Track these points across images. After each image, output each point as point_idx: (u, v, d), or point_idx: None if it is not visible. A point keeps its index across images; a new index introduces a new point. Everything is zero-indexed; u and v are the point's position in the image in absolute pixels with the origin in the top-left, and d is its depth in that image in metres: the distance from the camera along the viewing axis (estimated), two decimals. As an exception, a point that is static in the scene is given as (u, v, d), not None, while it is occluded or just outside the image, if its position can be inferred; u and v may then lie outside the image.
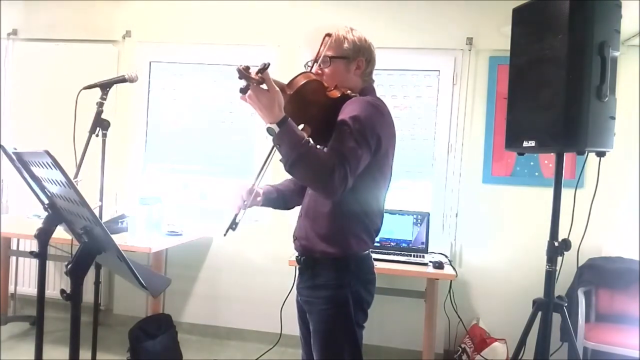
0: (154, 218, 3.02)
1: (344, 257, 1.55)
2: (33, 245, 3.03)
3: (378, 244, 3.07)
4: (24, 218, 3.39)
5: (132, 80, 2.33)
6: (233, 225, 1.54)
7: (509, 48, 2.00)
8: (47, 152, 1.09)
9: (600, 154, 1.86)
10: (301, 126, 1.42)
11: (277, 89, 1.35)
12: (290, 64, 3.16)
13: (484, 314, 3.26)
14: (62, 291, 1.22)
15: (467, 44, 3.25)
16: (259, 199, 1.69)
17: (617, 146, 1.91)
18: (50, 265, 3.52)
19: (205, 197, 3.66)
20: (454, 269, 2.87)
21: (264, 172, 1.61)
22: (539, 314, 1.94)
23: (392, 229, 3.11)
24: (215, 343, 3.49)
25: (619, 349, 2.61)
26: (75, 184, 1.12)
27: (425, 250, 3.08)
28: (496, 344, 2.97)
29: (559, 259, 1.92)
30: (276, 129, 1.35)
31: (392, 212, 3.10)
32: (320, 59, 1.56)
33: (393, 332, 3.31)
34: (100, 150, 2.35)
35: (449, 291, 3.19)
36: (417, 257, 2.94)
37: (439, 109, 3.31)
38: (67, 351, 1.26)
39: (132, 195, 3.56)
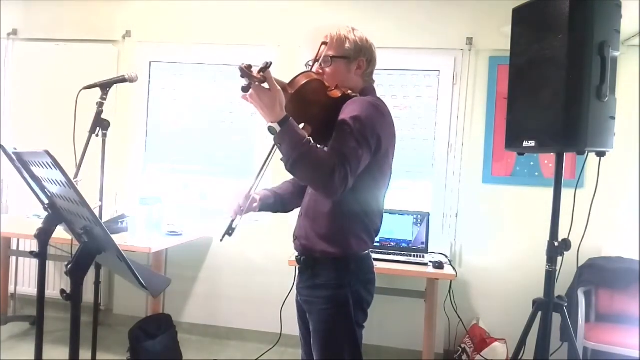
0: (154, 218, 3.02)
1: (344, 257, 1.55)
2: (33, 245, 3.03)
3: (378, 244, 3.07)
4: (24, 218, 3.39)
5: (132, 80, 2.33)
6: (230, 231, 1.55)
7: (509, 48, 2.00)
8: (47, 152, 1.09)
9: (600, 154, 1.86)
10: (302, 125, 1.42)
11: (279, 87, 1.35)
12: (290, 64, 3.14)
13: (484, 314, 3.26)
14: (62, 291, 1.22)
15: (467, 44, 3.25)
16: (255, 204, 1.68)
17: (617, 146, 1.91)
18: (50, 265, 3.52)
19: (205, 197, 3.66)
20: (454, 269, 2.87)
21: (261, 178, 1.60)
22: (539, 314, 1.94)
23: (392, 229, 3.11)
24: (215, 343, 3.49)
25: (619, 349, 2.61)
26: (75, 184, 1.12)
27: (425, 250, 3.08)
28: (496, 344, 2.97)
29: (559, 259, 1.92)
30: (277, 128, 1.35)
31: (392, 212, 3.10)
32: (322, 58, 1.56)
33: (393, 332, 3.31)
34: (100, 150, 2.35)
35: (449, 291, 3.19)
36: (417, 257, 2.94)
37: (439, 109, 3.32)
38: (67, 351, 1.26)
39: (132, 195, 3.57)
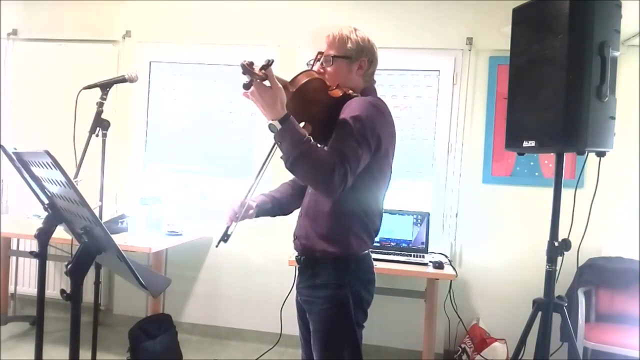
0: (154, 218, 3.02)
1: (344, 256, 1.55)
2: (33, 245, 3.03)
3: (378, 244, 3.07)
4: (24, 218, 3.39)
5: (132, 80, 2.33)
6: (225, 238, 1.55)
7: (509, 48, 2.00)
8: (47, 152, 1.09)
9: (600, 154, 1.86)
10: (302, 124, 1.42)
11: (280, 86, 1.36)
12: (290, 64, 3.15)
13: (484, 314, 3.26)
14: (62, 291, 1.22)
15: (467, 44, 3.25)
16: (251, 211, 1.68)
17: (617, 146, 1.91)
18: (50, 265, 3.52)
19: (205, 197, 3.66)
20: (454, 269, 2.87)
21: (259, 181, 1.60)
22: (539, 314, 1.94)
23: (392, 229, 3.11)
24: (215, 343, 3.49)
25: (619, 349, 2.61)
26: (75, 184, 1.12)
27: (425, 250, 3.08)
28: (496, 344, 2.97)
29: (559, 259, 1.92)
30: (278, 126, 1.35)
31: (392, 212, 3.10)
32: (323, 57, 1.56)
33: (393, 332, 3.31)
34: (100, 150, 2.35)
35: (449, 291, 3.19)
36: (417, 257, 2.94)
37: (439, 109, 3.31)
38: (67, 351, 1.26)
39: (132, 195, 3.57)
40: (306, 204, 1.65)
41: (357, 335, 1.56)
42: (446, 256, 3.13)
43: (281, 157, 1.40)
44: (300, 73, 1.49)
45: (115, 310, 3.66)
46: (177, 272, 3.50)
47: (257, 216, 1.72)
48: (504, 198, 3.24)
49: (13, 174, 1.67)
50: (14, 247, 3.59)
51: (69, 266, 1.22)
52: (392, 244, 3.11)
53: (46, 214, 1.31)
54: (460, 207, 3.29)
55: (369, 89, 1.63)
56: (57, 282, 3.64)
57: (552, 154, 2.00)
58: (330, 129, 1.45)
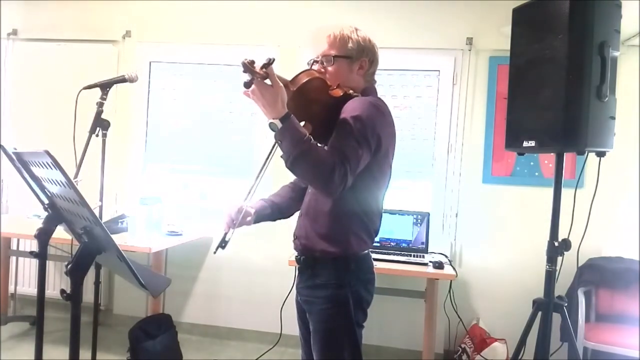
0: (154, 218, 3.02)
1: (344, 256, 1.55)
2: (33, 245, 3.03)
3: (378, 244, 3.07)
4: (24, 218, 3.39)
5: (132, 80, 2.33)
6: (222, 244, 1.56)
7: (509, 48, 2.00)
8: (47, 152, 1.09)
9: (600, 154, 1.86)
10: (302, 123, 1.42)
11: (281, 84, 1.36)
12: (290, 64, 3.15)
13: (484, 314, 3.26)
14: (62, 291, 1.22)
15: (467, 44, 3.25)
16: (249, 218, 1.67)
17: (617, 146, 1.91)
18: (50, 265, 3.52)
19: (205, 197, 3.66)
20: (454, 269, 2.87)
21: (255, 189, 1.61)
22: (539, 314, 1.94)
23: (392, 229, 3.11)
24: (215, 343, 3.49)
25: (619, 349, 2.61)
26: (75, 184, 1.12)
27: (425, 250, 3.08)
28: (496, 344, 2.97)
29: (559, 259, 1.92)
30: (279, 124, 1.35)
31: (392, 212, 3.10)
32: (324, 57, 1.57)
33: (393, 332, 3.31)
34: (100, 150, 2.35)
35: (449, 291, 3.19)
36: (417, 257, 2.94)
37: (439, 109, 3.31)
38: (67, 351, 1.26)
39: (132, 195, 3.57)
40: (306, 203, 1.65)
41: (357, 335, 1.56)
42: (446, 256, 3.13)
43: (281, 156, 1.40)
44: (301, 72, 1.49)
45: (115, 310, 3.66)
46: (177, 272, 3.50)
47: (256, 222, 1.71)
48: (504, 198, 3.24)
49: (13, 174, 1.67)
50: (14, 247, 3.59)
51: (69, 266, 1.22)
52: (392, 244, 3.11)
53: (46, 214, 1.31)
54: (460, 207, 3.29)
55: (369, 89, 1.63)
56: (57, 282, 3.64)
57: (552, 154, 2.00)
58: (331, 128, 1.45)
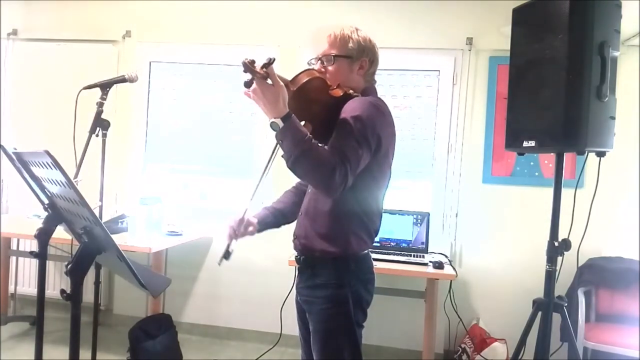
0: (154, 218, 3.02)
1: (343, 256, 1.55)
2: (33, 245, 3.03)
3: (378, 244, 3.07)
4: (24, 218, 3.39)
5: (132, 80, 2.33)
6: (226, 255, 1.56)
7: (509, 48, 2.00)
8: (47, 152, 1.09)
9: (600, 154, 1.86)
10: (302, 123, 1.42)
11: (282, 84, 1.36)
12: (290, 64, 3.15)
13: (484, 314, 3.26)
14: (62, 291, 1.22)
15: (467, 44, 3.25)
16: (251, 228, 1.67)
17: (617, 146, 1.91)
18: (50, 265, 3.52)
19: (205, 197, 3.66)
20: (454, 269, 2.87)
21: (253, 200, 1.61)
22: (539, 314, 1.94)
23: (392, 229, 3.11)
24: (215, 343, 3.49)
25: (619, 349, 2.61)
26: (75, 184, 1.12)
27: (425, 250, 3.08)
28: (496, 344, 2.97)
29: (559, 259, 1.92)
30: (280, 124, 1.35)
31: (392, 212, 3.10)
32: (324, 57, 1.57)
33: (393, 332, 3.31)
34: (100, 150, 2.34)
35: (449, 291, 3.19)
36: (417, 257, 2.94)
37: (439, 109, 3.31)
38: (67, 351, 1.26)
39: (132, 195, 3.57)
40: (306, 203, 1.65)
41: (356, 335, 1.56)
42: (446, 256, 3.13)
43: (282, 156, 1.40)
44: (301, 72, 1.49)
45: (115, 310, 3.66)
46: (177, 272, 3.50)
47: (260, 231, 1.71)
48: (504, 198, 3.24)
49: (13, 174, 1.67)
50: (14, 247, 3.59)
51: (69, 266, 1.22)
52: (392, 244, 3.11)
53: (46, 214, 1.31)
54: (460, 207, 3.29)
55: (369, 89, 1.63)
56: (57, 282, 3.64)
57: (552, 154, 2.00)
58: (331, 128, 1.46)
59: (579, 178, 2.40)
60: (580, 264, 2.63)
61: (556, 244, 1.89)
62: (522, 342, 1.96)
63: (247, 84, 1.33)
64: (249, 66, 1.28)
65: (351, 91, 1.53)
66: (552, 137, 1.82)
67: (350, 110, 1.46)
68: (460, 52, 3.27)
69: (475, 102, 3.27)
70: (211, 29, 3.55)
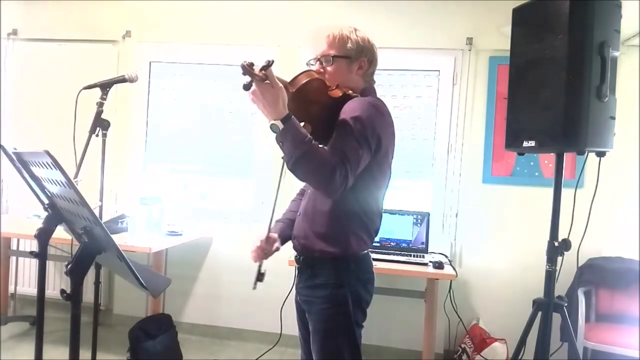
0: (154, 218, 3.02)
1: (343, 256, 1.55)
2: (33, 245, 3.02)
3: (378, 244, 3.07)
4: (24, 218, 3.39)
5: (132, 80, 2.33)
6: (260, 277, 1.61)
7: (509, 48, 2.00)
8: (47, 152, 1.09)
9: (600, 154, 1.86)
10: (302, 124, 1.42)
11: (281, 85, 1.36)
12: (290, 64, 3.15)
13: (484, 314, 3.26)
14: (62, 291, 1.23)
15: (467, 44, 3.25)
16: (277, 244, 1.68)
17: (617, 146, 1.91)
18: (50, 265, 3.52)
19: (205, 197, 3.66)
20: (454, 269, 2.87)
21: (273, 217, 1.62)
22: (539, 314, 1.94)
23: (392, 229, 3.11)
24: (215, 343, 3.49)
25: (619, 349, 2.61)
26: (75, 184, 1.12)
27: (425, 250, 3.08)
28: (496, 344, 2.97)
29: (559, 259, 1.92)
30: (280, 125, 1.35)
31: (392, 212, 3.10)
32: (323, 57, 1.57)
33: (393, 332, 3.31)
34: (100, 150, 2.34)
35: (449, 291, 3.19)
36: (417, 257, 2.94)
37: (439, 109, 3.31)
38: (67, 351, 1.26)
39: (132, 195, 3.57)
40: (305, 203, 1.65)
41: (356, 335, 1.56)
42: (446, 256, 3.13)
43: (282, 158, 1.40)
44: (300, 73, 1.50)
45: (115, 310, 3.66)
46: (177, 272, 3.50)
47: (282, 244, 1.71)
48: (504, 198, 3.24)
49: (13, 174, 1.67)
50: (14, 247, 3.59)
51: (69, 266, 1.22)
52: (392, 244, 3.11)
53: (46, 214, 1.31)
54: (460, 207, 3.29)
55: (368, 89, 1.63)
56: (57, 282, 3.64)
57: (552, 154, 2.00)
58: (330, 129, 1.46)
59: (579, 178, 2.40)
60: (580, 264, 2.63)
61: (556, 244, 1.89)
62: (522, 342, 1.96)
63: (246, 87, 1.33)
64: (247, 69, 1.29)
65: (350, 91, 1.53)
66: (552, 137, 1.82)
67: (349, 110, 1.46)
68: (460, 52, 3.27)
69: (475, 102, 3.27)
70: (211, 29, 3.55)
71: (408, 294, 3.14)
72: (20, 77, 3.79)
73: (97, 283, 2.51)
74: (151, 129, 3.68)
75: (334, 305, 1.54)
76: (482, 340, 3.02)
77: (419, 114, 3.35)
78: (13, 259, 3.65)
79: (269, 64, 1.31)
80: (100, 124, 2.23)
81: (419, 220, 3.11)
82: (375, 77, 1.70)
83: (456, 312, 3.21)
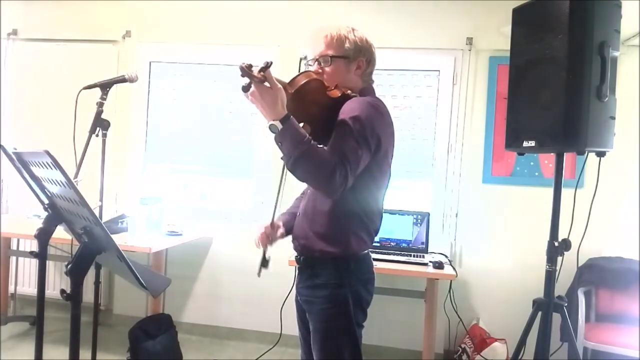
0: (154, 218, 3.02)
1: (343, 256, 1.55)
2: (33, 245, 3.03)
3: (378, 244, 3.07)
4: (24, 218, 3.39)
5: (132, 80, 2.33)
6: (265, 263, 1.62)
7: (509, 48, 2.00)
8: (47, 152, 1.09)
9: (600, 154, 1.86)
10: (301, 124, 1.42)
11: (280, 86, 1.36)
12: (290, 64, 3.15)
13: (484, 314, 3.26)
14: (62, 291, 1.23)
15: (467, 44, 3.25)
16: (281, 230, 1.67)
17: (617, 146, 1.91)
18: (50, 265, 3.52)
19: (205, 197, 3.66)
20: (454, 269, 2.87)
21: (279, 205, 1.61)
22: (539, 314, 1.94)
23: (392, 229, 3.11)
24: (215, 343, 3.49)
25: (619, 349, 2.61)
26: (75, 184, 1.12)
27: (425, 250, 3.08)
28: (496, 344, 2.97)
29: (559, 259, 1.92)
30: (279, 126, 1.35)
31: (392, 212, 3.10)
32: (322, 57, 1.57)
33: (393, 332, 3.31)
34: (100, 150, 2.35)
35: (449, 291, 3.19)
36: (417, 257, 2.94)
37: (439, 109, 3.31)
38: (67, 351, 1.26)
39: (132, 195, 3.57)
40: (305, 204, 1.65)
41: (356, 335, 1.56)
42: (446, 256, 3.13)
43: (281, 158, 1.40)
44: (299, 74, 1.50)
45: (115, 310, 3.66)
46: (177, 272, 3.50)
47: (287, 234, 1.71)
48: (504, 198, 3.24)
49: (13, 174, 1.67)
50: (14, 247, 3.59)
51: (69, 266, 1.23)
52: (392, 244, 3.11)
53: (46, 214, 1.31)
54: (460, 207, 3.29)
55: (367, 89, 1.63)
56: (57, 282, 3.64)
57: (552, 154, 2.00)
58: (330, 129, 1.46)
59: (579, 178, 2.40)
60: (580, 264, 2.63)
61: (556, 244, 1.89)
62: (522, 342, 1.96)
63: (245, 89, 1.34)
64: (246, 70, 1.29)
65: (349, 91, 1.54)
66: (552, 137, 1.82)
67: (348, 110, 1.46)
68: (460, 52, 3.27)
69: (475, 102, 3.27)
70: (211, 29, 3.55)
71: (408, 294, 3.14)
72: (20, 77, 3.79)
73: (97, 283, 2.51)
74: (151, 129, 3.68)
75: (334, 305, 1.54)
76: (482, 340, 3.02)
77: (419, 114, 3.35)
78: (13, 259, 3.65)
79: (268, 66, 1.31)
80: (100, 124, 2.23)
81: (419, 220, 3.11)
82: (375, 77, 1.70)
83: (456, 312, 3.21)
